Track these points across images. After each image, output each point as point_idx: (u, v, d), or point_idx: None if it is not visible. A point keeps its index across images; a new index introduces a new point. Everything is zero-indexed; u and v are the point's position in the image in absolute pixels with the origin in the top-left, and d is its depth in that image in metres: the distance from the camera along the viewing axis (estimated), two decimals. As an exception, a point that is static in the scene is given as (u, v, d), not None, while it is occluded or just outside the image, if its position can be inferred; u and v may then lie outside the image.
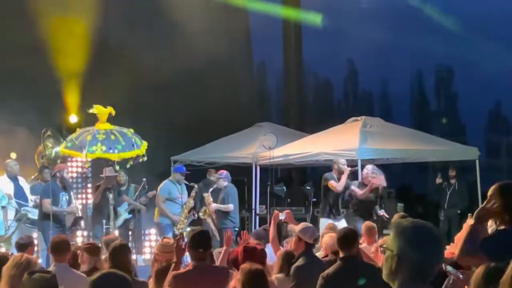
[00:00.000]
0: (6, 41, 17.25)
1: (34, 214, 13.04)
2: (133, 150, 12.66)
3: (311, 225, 7.82)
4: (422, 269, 3.11)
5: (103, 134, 12.44)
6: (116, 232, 13.72)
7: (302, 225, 7.77)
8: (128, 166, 13.69)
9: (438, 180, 17.22)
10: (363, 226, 10.16)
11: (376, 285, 6.99)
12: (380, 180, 12.93)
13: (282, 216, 9.31)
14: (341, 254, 6.83)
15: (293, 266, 7.26)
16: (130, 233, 14.07)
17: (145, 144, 12.99)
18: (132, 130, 12.90)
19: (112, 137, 12.43)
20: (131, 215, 14.05)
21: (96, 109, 12.63)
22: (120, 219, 13.75)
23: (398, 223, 3.20)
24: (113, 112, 12.64)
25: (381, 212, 13.35)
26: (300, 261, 7.31)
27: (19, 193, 13.16)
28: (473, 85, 28.73)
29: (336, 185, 12.88)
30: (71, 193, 13.13)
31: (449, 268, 5.55)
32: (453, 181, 16.93)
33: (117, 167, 13.40)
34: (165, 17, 19.33)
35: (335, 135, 15.57)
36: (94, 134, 12.37)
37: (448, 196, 16.82)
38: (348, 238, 6.88)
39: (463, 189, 16.56)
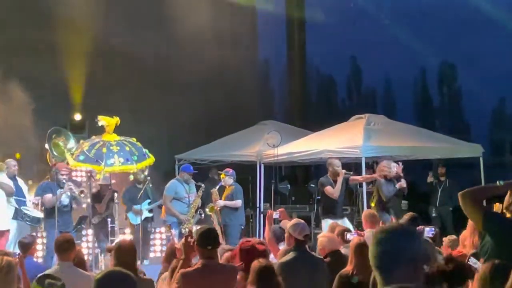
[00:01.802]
0: (11, 41, 17.27)
1: (34, 213, 13.08)
2: (145, 160, 12.62)
3: (302, 221, 7.73)
4: (384, 259, 3.12)
5: (116, 146, 12.33)
6: (128, 230, 13.73)
7: (293, 221, 7.73)
8: (143, 176, 13.78)
9: (430, 179, 17.34)
10: (363, 213, 10.27)
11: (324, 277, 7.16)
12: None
13: (276, 215, 9.30)
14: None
15: (279, 262, 7.22)
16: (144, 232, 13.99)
17: (147, 151, 12.94)
18: (135, 139, 12.85)
19: (127, 148, 12.33)
20: (152, 214, 14.03)
21: (104, 120, 12.51)
22: (141, 217, 13.70)
23: None
24: (118, 122, 12.57)
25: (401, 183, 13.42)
26: (286, 257, 7.29)
27: (17, 193, 13.20)
28: (477, 82, 28.68)
29: (333, 191, 12.90)
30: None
31: (472, 260, 5.54)
32: (442, 178, 17.08)
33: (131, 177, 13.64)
34: (169, 16, 19.32)
35: (339, 133, 15.56)
36: (107, 146, 12.23)
37: (439, 193, 16.96)
38: None
39: (454, 186, 16.63)
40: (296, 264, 7.18)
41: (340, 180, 12.92)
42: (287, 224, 7.76)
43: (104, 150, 12.07)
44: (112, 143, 12.29)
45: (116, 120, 12.47)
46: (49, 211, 12.78)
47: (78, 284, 6.73)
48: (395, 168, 13.18)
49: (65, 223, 12.79)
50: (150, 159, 12.64)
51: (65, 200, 12.96)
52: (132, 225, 13.92)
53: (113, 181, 13.62)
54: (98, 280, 3.87)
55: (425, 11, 28.15)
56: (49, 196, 12.81)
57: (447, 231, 14.16)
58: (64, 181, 13.11)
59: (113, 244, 8.74)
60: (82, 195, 13.34)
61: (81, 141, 12.99)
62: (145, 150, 12.60)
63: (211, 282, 6.39)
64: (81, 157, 12.11)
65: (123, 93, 16.96)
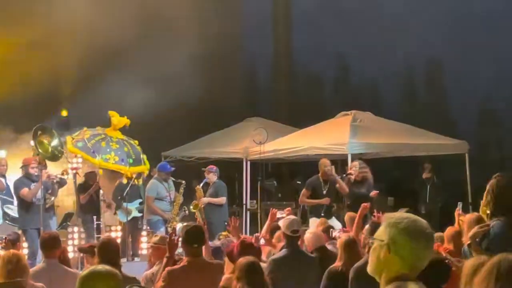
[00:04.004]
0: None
1: (15, 213, 12.83)
2: (140, 165, 12.49)
3: (293, 217, 7.88)
4: (412, 259, 3.08)
5: (116, 143, 12.19)
6: (119, 227, 13.64)
7: (285, 218, 7.88)
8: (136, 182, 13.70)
9: (426, 175, 17.38)
10: (346, 216, 10.27)
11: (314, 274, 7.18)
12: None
13: (282, 214, 9.36)
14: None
15: (269, 259, 7.27)
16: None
17: (145, 157, 12.76)
18: (137, 142, 12.69)
19: (125, 149, 12.20)
20: (141, 214, 13.90)
21: (114, 117, 12.34)
22: (130, 216, 13.57)
23: (390, 215, 3.18)
24: (128, 123, 12.41)
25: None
26: (278, 254, 7.39)
27: (5, 191, 13.03)
28: (463, 79, 28.75)
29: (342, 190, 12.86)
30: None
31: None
32: (429, 175, 17.17)
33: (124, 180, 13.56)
34: (154, 11, 19.23)
35: (325, 130, 15.58)
36: (107, 141, 12.09)
37: (428, 190, 17.03)
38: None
39: (443, 183, 16.70)
40: (287, 261, 7.22)
41: (340, 181, 12.89)
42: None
43: (103, 144, 11.98)
44: (113, 139, 12.18)
45: (126, 120, 12.33)
46: (27, 208, 12.20)
47: (65, 281, 6.70)
48: (353, 170, 13.10)
49: (42, 219, 12.01)
50: (145, 166, 12.55)
51: (39, 195, 12.22)
52: (121, 222, 13.84)
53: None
54: (83, 276, 3.85)
55: (412, 7, 28.17)
56: (25, 189, 12.18)
57: (433, 229, 14.19)
58: (36, 174, 12.59)
59: (87, 244, 8.69)
60: (65, 176, 12.77)
61: (85, 128, 12.75)
62: (143, 156, 12.49)
63: (197, 279, 6.40)
64: (79, 144, 11.96)
65: (109, 89, 16.84)
